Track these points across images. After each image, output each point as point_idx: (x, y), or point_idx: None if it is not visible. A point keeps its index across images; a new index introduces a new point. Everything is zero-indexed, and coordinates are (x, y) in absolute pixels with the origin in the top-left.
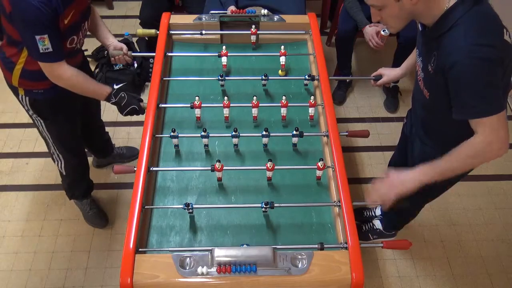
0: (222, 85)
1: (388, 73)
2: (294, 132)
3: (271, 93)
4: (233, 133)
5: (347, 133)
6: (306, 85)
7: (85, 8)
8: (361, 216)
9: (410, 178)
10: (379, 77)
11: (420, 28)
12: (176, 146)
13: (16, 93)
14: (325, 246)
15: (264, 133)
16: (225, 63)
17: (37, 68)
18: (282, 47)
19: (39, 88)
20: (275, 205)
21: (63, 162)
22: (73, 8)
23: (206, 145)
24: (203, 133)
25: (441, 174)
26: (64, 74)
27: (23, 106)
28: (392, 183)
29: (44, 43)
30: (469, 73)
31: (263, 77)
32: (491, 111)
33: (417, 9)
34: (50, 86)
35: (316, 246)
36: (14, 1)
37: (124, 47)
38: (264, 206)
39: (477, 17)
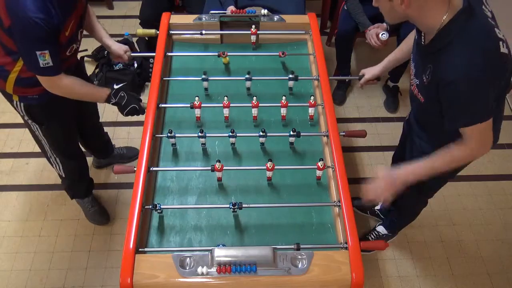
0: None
1: (368, 71)
2: (291, 133)
3: (271, 93)
4: (230, 133)
5: (344, 133)
6: (291, 88)
7: (83, 13)
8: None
9: (398, 179)
10: (362, 76)
11: (416, 35)
12: (174, 145)
13: (10, 100)
14: (325, 246)
15: (261, 133)
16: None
17: (32, 75)
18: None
19: (34, 94)
20: (277, 205)
21: (60, 166)
22: (72, 18)
23: (203, 144)
24: (200, 134)
25: (426, 175)
26: (62, 84)
27: (18, 112)
28: (386, 185)
29: (45, 58)
30: (462, 93)
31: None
32: (478, 120)
33: (409, 14)
34: (44, 91)
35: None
36: (14, 16)
37: (125, 47)
38: (232, 207)
39: (471, 34)
